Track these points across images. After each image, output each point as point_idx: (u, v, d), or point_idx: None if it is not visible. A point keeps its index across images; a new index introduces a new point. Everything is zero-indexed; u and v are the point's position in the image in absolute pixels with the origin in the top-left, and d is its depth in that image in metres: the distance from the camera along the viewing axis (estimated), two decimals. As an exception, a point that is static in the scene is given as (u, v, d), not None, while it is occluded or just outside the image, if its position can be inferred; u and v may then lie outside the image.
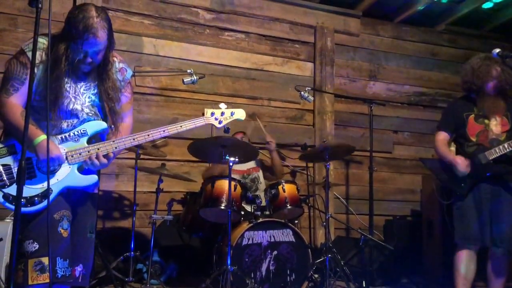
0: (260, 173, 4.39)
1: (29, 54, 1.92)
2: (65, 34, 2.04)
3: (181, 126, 2.27)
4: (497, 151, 3.07)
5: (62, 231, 2.00)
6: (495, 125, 3.17)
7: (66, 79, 2.09)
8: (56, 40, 2.06)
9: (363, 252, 4.08)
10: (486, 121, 3.21)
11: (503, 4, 5.43)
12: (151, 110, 4.73)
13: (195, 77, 3.94)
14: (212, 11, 5.07)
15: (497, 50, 2.85)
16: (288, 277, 3.51)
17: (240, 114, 2.46)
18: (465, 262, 3.12)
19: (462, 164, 3.16)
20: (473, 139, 3.22)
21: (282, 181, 3.86)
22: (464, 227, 3.14)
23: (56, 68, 2.02)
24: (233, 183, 3.54)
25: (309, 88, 4.53)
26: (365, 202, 4.84)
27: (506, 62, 2.87)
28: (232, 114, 2.43)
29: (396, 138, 5.75)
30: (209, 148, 3.59)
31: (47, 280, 1.90)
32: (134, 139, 2.18)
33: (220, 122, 2.40)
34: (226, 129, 2.46)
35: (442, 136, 3.34)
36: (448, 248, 3.57)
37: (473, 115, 3.25)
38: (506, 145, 3.05)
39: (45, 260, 1.90)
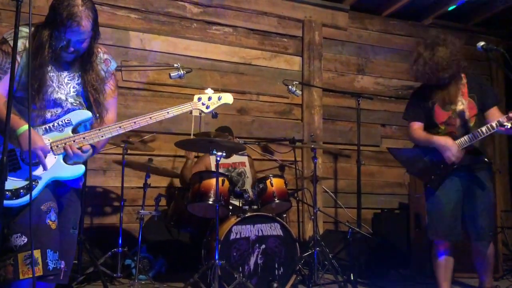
0: (247, 169, 4.40)
1: (11, 42, 1.86)
2: (49, 21, 2.00)
3: (167, 113, 2.21)
4: (466, 139, 2.94)
5: (50, 222, 1.94)
6: (463, 110, 3.02)
7: (49, 67, 2.05)
8: (40, 27, 2.02)
9: (351, 245, 4.10)
10: (453, 106, 3.03)
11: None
12: (138, 105, 4.70)
13: (182, 72, 3.92)
14: (199, 5, 5.04)
15: (482, 43, 2.85)
16: (276, 271, 3.52)
17: (227, 98, 2.36)
18: (442, 252, 3.05)
19: (453, 147, 2.93)
20: (442, 128, 3.06)
21: (270, 175, 3.85)
22: (436, 222, 3.03)
23: (39, 56, 1.98)
24: (220, 178, 3.54)
25: (297, 82, 4.53)
26: (353, 196, 4.86)
27: (490, 55, 2.88)
28: (219, 98, 2.33)
29: (384, 132, 5.78)
30: (196, 143, 3.61)
31: (39, 273, 1.85)
32: (120, 127, 2.13)
33: (207, 107, 2.31)
34: (214, 114, 2.36)
35: (417, 125, 3.15)
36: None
37: (438, 102, 3.08)
38: (476, 133, 2.90)
39: (36, 253, 1.85)
